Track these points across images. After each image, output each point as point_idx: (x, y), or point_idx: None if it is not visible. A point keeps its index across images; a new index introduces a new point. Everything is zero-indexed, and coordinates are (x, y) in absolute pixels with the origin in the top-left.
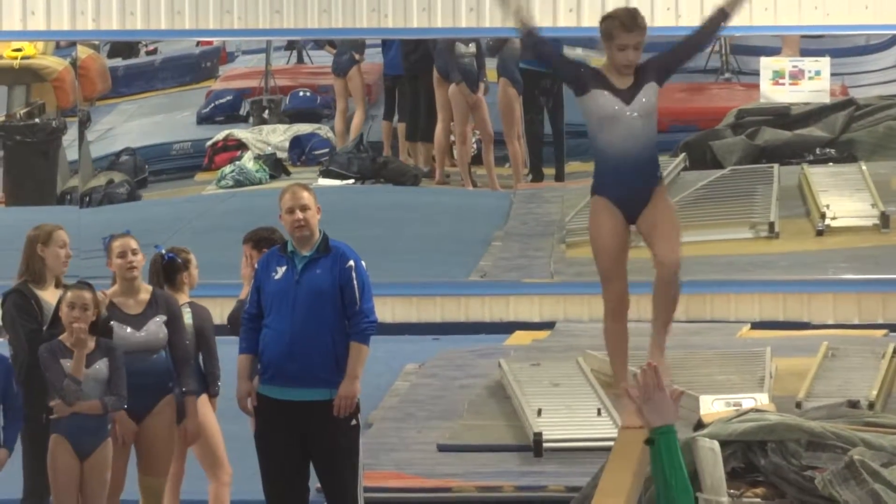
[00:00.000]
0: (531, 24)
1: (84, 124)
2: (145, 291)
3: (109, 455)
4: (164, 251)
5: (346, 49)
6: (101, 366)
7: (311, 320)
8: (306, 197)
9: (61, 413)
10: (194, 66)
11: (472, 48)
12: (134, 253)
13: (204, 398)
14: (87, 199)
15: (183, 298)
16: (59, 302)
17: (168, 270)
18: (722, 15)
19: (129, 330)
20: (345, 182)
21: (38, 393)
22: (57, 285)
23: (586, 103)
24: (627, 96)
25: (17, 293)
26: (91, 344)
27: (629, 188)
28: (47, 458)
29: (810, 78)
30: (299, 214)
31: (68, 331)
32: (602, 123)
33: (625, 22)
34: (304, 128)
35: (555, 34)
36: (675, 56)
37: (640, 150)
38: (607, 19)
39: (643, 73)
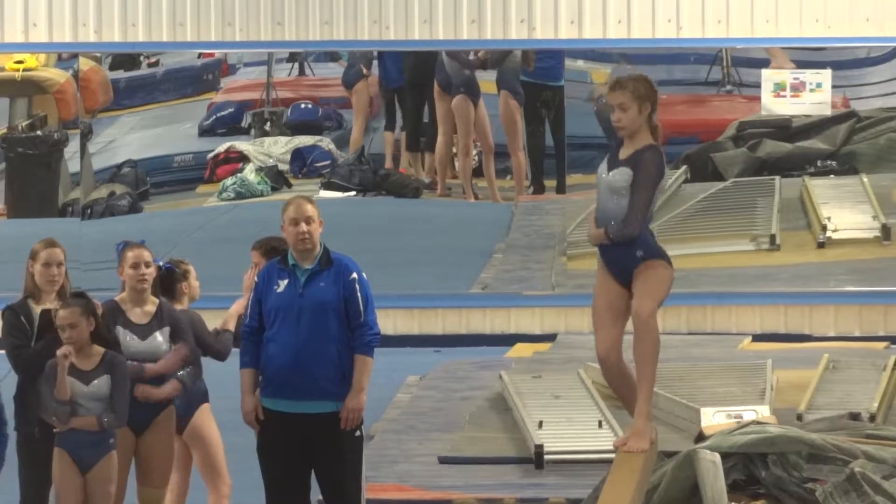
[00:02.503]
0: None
1: (86, 136)
2: (152, 303)
3: (113, 468)
4: (161, 263)
5: (356, 61)
6: (102, 382)
7: (316, 333)
8: (310, 210)
9: (59, 429)
10: (196, 78)
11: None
12: (147, 265)
13: (206, 408)
14: (89, 211)
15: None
16: (41, 316)
17: (165, 281)
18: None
19: (133, 338)
20: (346, 194)
21: (30, 407)
22: (62, 299)
23: None
24: (611, 167)
25: (9, 310)
26: (96, 358)
27: (604, 251)
28: (52, 471)
29: (811, 90)
30: (304, 227)
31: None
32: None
33: (612, 82)
34: (305, 140)
35: (556, 46)
36: (631, 190)
37: (606, 222)
38: None
39: (632, 158)
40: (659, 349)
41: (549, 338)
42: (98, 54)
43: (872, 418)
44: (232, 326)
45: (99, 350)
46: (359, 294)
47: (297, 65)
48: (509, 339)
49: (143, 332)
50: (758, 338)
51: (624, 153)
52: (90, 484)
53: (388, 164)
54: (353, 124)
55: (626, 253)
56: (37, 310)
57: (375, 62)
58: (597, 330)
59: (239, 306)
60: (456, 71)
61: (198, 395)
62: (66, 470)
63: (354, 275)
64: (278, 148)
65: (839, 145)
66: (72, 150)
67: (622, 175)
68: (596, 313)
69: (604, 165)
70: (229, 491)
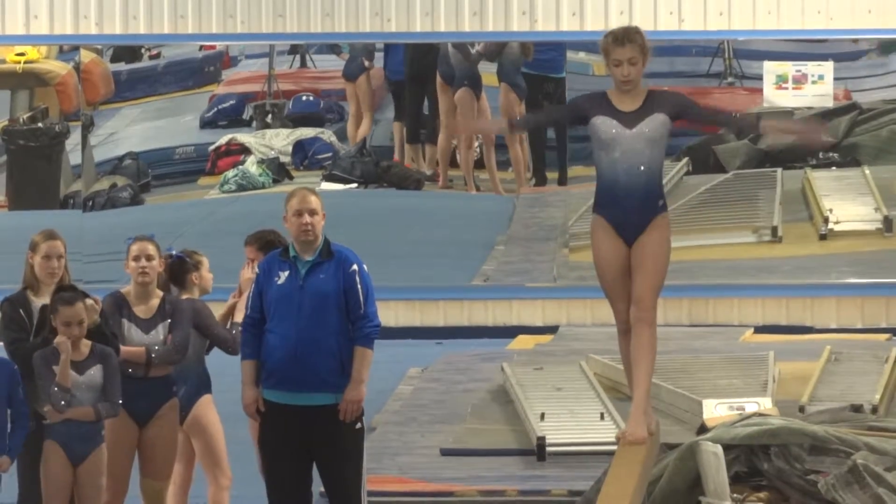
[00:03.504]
0: (505, 124)
1: (87, 128)
2: (157, 297)
3: (103, 461)
4: (173, 252)
5: (357, 54)
6: (95, 372)
7: (316, 325)
8: (314, 201)
9: (53, 419)
10: (197, 71)
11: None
12: (149, 258)
13: (208, 398)
14: (90, 203)
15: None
16: (41, 310)
17: (175, 270)
18: (747, 126)
19: (137, 332)
20: (348, 186)
21: (28, 401)
22: (56, 292)
23: (591, 130)
24: (630, 120)
25: (7, 302)
26: (85, 350)
27: (624, 212)
28: (40, 463)
29: (813, 82)
30: (307, 219)
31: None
32: (603, 146)
33: (617, 36)
34: (307, 132)
35: (558, 38)
36: (692, 112)
37: (637, 176)
38: (604, 37)
39: (655, 101)
40: (656, 342)
41: (551, 330)
42: (99, 46)
43: (874, 410)
44: (240, 318)
45: (87, 342)
46: (359, 286)
47: (298, 57)
48: (511, 331)
49: (147, 325)
50: (760, 330)
51: (631, 105)
52: (81, 477)
53: (397, 154)
54: (350, 117)
55: (650, 206)
56: (36, 302)
57: (378, 54)
58: (614, 301)
59: (243, 299)
60: (460, 63)
61: (200, 386)
62: (57, 463)
63: (355, 266)
64: (280, 140)
65: (841, 137)
66: (73, 142)
67: (657, 122)
68: (608, 284)
69: (608, 122)
70: (229, 483)
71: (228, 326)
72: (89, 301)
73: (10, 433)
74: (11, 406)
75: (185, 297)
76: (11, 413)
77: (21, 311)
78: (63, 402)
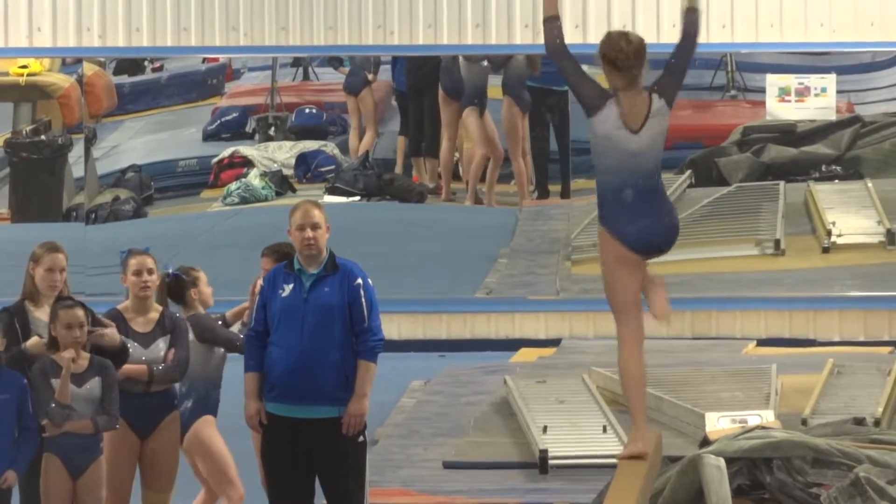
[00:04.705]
0: (555, 14)
1: (90, 141)
2: (156, 311)
3: (103, 473)
4: (170, 270)
5: (359, 69)
6: (94, 385)
7: (319, 338)
8: (317, 215)
9: (52, 433)
10: (200, 83)
11: (485, 63)
12: (150, 272)
13: (208, 419)
14: (93, 215)
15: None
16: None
17: (174, 288)
18: (693, 13)
19: (137, 347)
20: (350, 199)
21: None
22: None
23: (594, 125)
24: (618, 124)
25: (5, 312)
26: (84, 362)
27: (633, 219)
28: (40, 476)
29: (816, 95)
30: (310, 233)
31: (64, 351)
32: (605, 144)
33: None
34: (309, 145)
35: None
36: (673, 71)
37: (638, 178)
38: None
39: (652, 99)
40: (626, 373)
41: (554, 343)
42: (102, 59)
43: (877, 423)
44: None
45: (85, 354)
46: (363, 299)
47: (301, 69)
48: (514, 344)
49: (146, 340)
50: (762, 342)
51: (629, 105)
52: (81, 490)
53: (399, 167)
54: (351, 130)
55: (656, 201)
56: (34, 313)
57: (383, 67)
58: (623, 313)
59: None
60: (472, 78)
61: (204, 406)
62: (57, 476)
63: (359, 280)
64: (283, 153)
65: (844, 150)
66: (76, 154)
67: (656, 123)
68: (625, 295)
69: (606, 126)
70: (239, 498)
71: (239, 327)
72: (118, 337)
73: (18, 447)
74: (20, 420)
75: (190, 314)
76: (20, 427)
77: (16, 321)
78: (60, 418)
